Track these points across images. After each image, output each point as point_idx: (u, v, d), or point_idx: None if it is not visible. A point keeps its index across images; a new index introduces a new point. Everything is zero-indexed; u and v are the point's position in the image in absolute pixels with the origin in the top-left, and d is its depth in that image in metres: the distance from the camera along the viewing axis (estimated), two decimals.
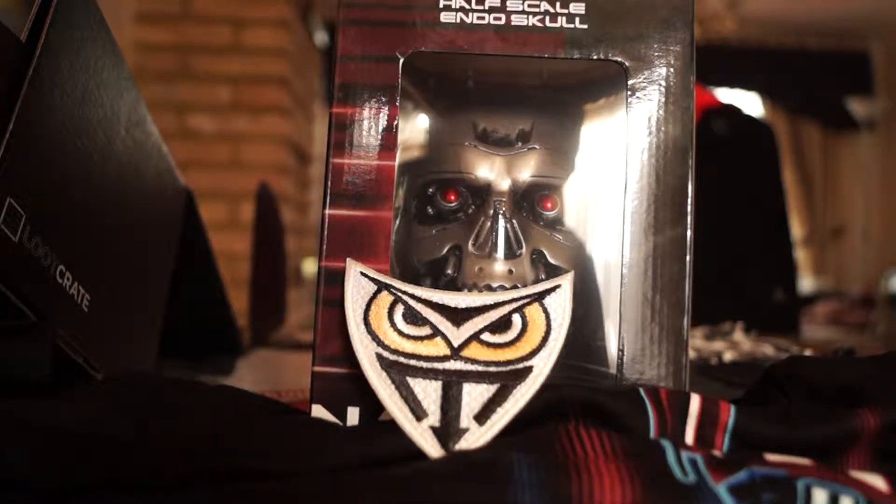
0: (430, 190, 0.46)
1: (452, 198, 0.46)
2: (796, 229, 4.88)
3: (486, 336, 0.38)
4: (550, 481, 0.28)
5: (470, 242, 0.45)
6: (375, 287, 0.41)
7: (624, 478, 0.29)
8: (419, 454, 0.33)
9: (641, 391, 0.36)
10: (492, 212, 0.45)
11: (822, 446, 0.34)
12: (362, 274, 0.41)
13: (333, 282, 0.41)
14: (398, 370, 0.37)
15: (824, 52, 4.82)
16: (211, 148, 2.67)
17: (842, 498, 0.29)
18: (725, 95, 3.19)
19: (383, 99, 0.43)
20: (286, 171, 2.77)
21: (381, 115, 0.43)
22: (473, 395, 0.35)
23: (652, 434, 0.34)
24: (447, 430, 0.34)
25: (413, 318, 0.39)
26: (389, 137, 0.43)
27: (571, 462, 0.29)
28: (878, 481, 0.30)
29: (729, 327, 1.04)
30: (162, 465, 0.29)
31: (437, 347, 0.38)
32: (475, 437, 0.34)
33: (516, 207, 0.46)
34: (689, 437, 0.35)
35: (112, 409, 0.33)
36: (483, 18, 0.44)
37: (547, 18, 0.44)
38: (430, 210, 0.46)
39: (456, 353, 0.37)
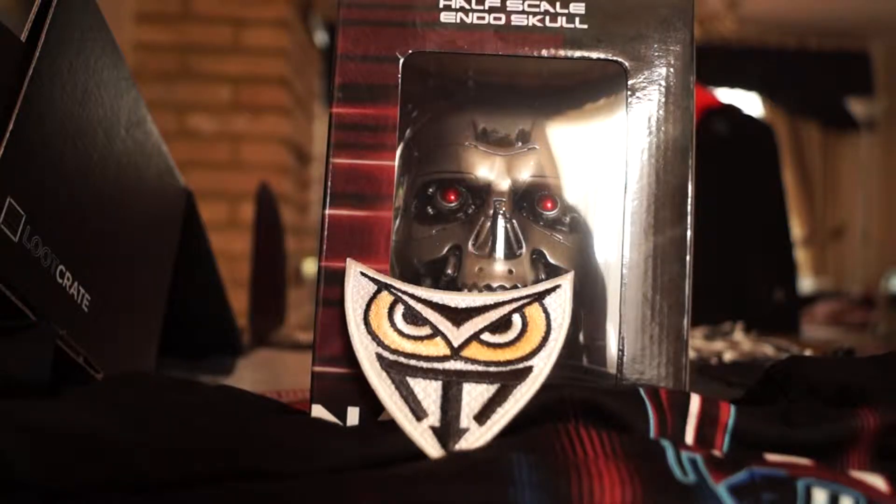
0: (430, 190, 0.46)
1: (452, 198, 0.46)
2: (796, 229, 4.88)
3: (486, 336, 0.38)
4: (550, 481, 0.28)
5: (470, 242, 0.45)
6: (375, 287, 0.41)
7: (624, 478, 0.29)
8: (419, 454, 0.33)
9: (641, 391, 0.36)
10: (492, 212, 0.45)
11: (822, 446, 0.34)
12: (362, 274, 0.41)
13: (333, 282, 0.41)
14: (398, 370, 0.37)
15: (824, 52, 4.82)
16: (211, 148, 2.67)
17: (842, 498, 0.29)
18: (725, 95, 3.19)
19: (383, 99, 0.43)
20: (286, 171, 2.77)
21: (381, 115, 0.43)
22: (473, 395, 0.35)
23: (652, 434, 0.34)
24: (447, 430, 0.34)
25: (413, 318, 0.39)
26: (389, 137, 0.43)
27: (571, 462, 0.29)
28: (878, 481, 0.30)
29: (729, 327, 1.04)
30: (162, 465, 0.29)
31: (437, 347, 0.38)
32: (475, 437, 0.34)
33: (516, 207, 0.46)
34: (689, 437, 0.35)
35: (112, 409, 0.33)
36: (483, 18, 0.44)
37: (547, 18, 0.44)
38: (430, 210, 0.46)
39: (456, 353, 0.37)
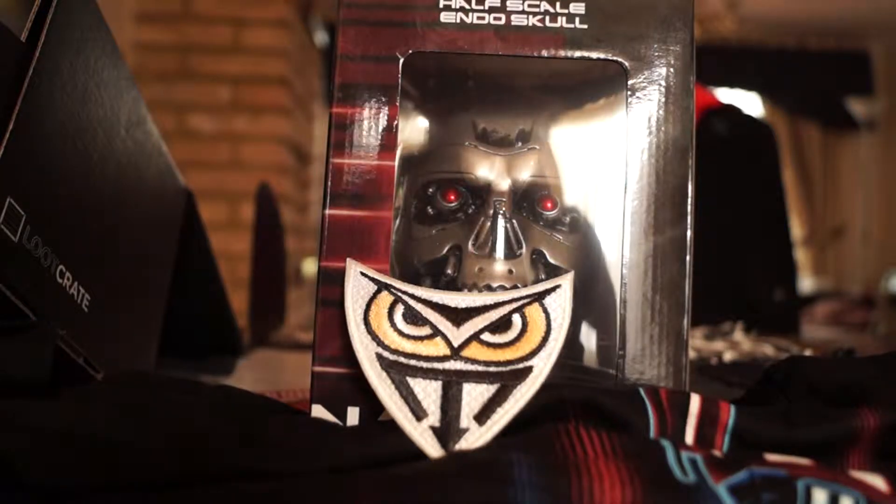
0: (430, 190, 0.46)
1: (452, 198, 0.46)
2: (796, 229, 4.87)
3: (486, 336, 0.38)
4: (550, 481, 0.28)
5: (470, 242, 0.45)
6: (375, 287, 0.41)
7: (624, 478, 0.29)
8: (419, 454, 0.33)
9: (641, 391, 0.36)
10: (492, 212, 0.45)
11: (822, 446, 0.34)
12: (362, 274, 0.41)
13: (333, 282, 0.41)
14: (398, 370, 0.37)
15: (824, 52, 4.82)
16: (211, 148, 2.67)
17: (842, 498, 0.29)
18: (725, 95, 3.19)
19: (383, 99, 0.43)
20: (286, 171, 2.77)
21: (381, 115, 0.43)
22: (473, 395, 0.35)
23: (652, 434, 0.34)
24: (447, 430, 0.34)
25: (413, 318, 0.39)
26: (389, 137, 0.43)
27: (571, 462, 0.29)
28: (878, 481, 0.30)
29: (729, 327, 1.04)
30: (162, 466, 0.29)
31: (437, 347, 0.38)
32: (475, 437, 0.34)
33: (516, 207, 0.46)
34: (689, 437, 0.35)
35: (112, 409, 0.33)
36: (483, 18, 0.44)
37: (547, 18, 0.44)
38: (430, 210, 0.46)
39: (456, 353, 0.37)
